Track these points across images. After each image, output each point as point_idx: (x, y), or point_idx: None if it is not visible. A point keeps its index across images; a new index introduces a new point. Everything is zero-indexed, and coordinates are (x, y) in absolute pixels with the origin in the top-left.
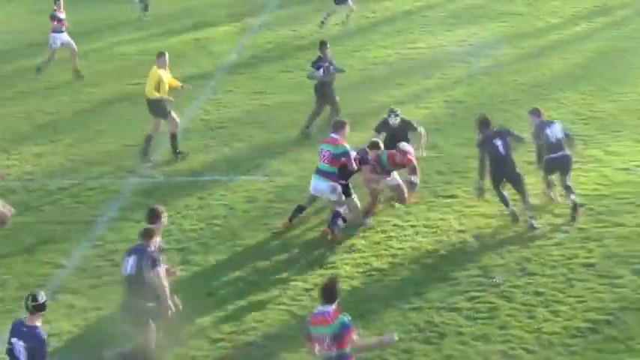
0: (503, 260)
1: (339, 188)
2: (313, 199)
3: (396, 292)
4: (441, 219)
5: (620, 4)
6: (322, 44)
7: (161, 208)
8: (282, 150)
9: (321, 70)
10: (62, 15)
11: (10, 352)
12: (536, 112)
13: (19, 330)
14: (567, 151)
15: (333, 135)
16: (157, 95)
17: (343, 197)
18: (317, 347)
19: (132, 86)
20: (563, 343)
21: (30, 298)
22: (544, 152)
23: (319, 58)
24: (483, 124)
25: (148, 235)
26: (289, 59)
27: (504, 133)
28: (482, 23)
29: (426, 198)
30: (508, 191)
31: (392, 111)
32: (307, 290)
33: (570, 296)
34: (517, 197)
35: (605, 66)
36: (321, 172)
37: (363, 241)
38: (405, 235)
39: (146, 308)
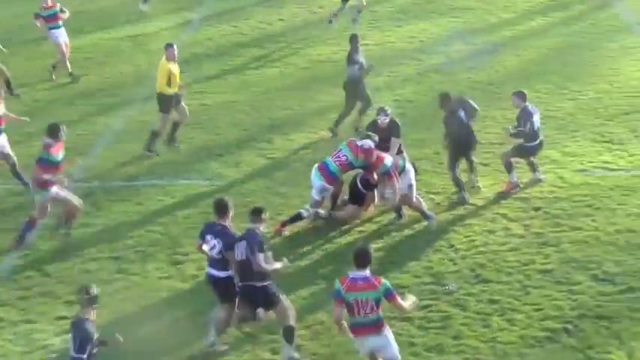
0: (456, 267)
1: (328, 193)
2: None
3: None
4: (390, 224)
5: None
6: (353, 38)
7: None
8: (224, 152)
9: (357, 67)
10: (53, 10)
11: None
12: (521, 95)
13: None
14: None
15: (358, 143)
16: (169, 91)
17: (320, 202)
18: (355, 312)
19: (65, 86)
20: (519, 353)
21: (84, 291)
22: (524, 139)
23: (352, 53)
24: (445, 99)
25: (257, 217)
26: (230, 57)
27: (465, 101)
28: (433, 19)
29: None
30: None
31: (381, 109)
32: None
33: (526, 304)
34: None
35: (561, 63)
36: (323, 168)
37: (310, 247)
38: (353, 241)
39: (268, 289)
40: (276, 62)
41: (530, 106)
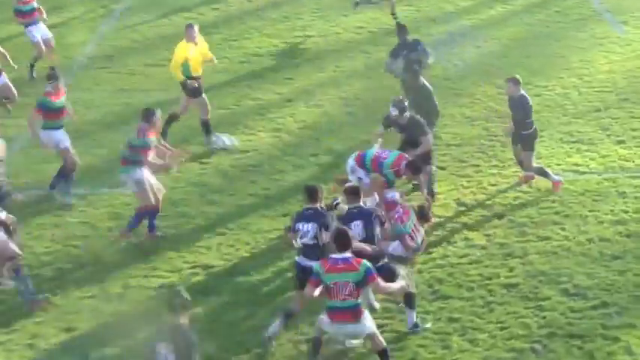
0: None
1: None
2: None
3: (290, 321)
4: None
5: None
6: (401, 28)
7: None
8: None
9: (399, 60)
10: (30, 5)
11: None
12: (516, 81)
13: (162, 331)
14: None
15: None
16: (181, 78)
17: None
18: (333, 295)
19: None
20: None
21: (175, 295)
22: (523, 128)
23: (398, 46)
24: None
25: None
26: (158, 50)
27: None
28: (384, 7)
29: None
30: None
31: (394, 101)
32: None
33: (490, 322)
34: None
35: (525, 55)
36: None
37: (253, 262)
38: None
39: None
40: None
41: (524, 93)
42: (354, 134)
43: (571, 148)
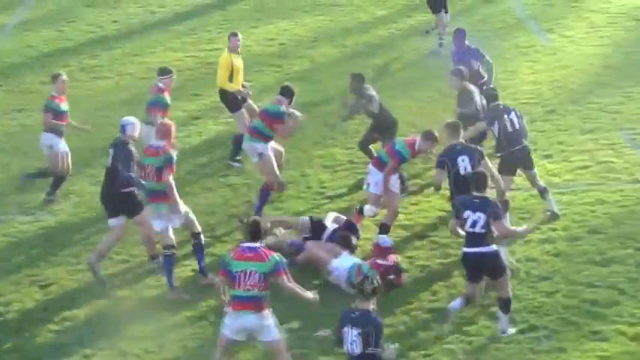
0: (331, 309)
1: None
2: None
3: (192, 352)
4: None
5: None
6: (459, 33)
7: None
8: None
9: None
10: None
11: (341, 342)
12: (460, 73)
13: (349, 317)
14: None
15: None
16: (232, 87)
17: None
18: (236, 284)
19: None
20: None
21: (367, 280)
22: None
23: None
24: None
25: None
26: (55, 67)
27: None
28: (296, 17)
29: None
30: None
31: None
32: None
33: (413, 349)
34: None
35: (445, 67)
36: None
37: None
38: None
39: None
40: (110, 72)
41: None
42: None
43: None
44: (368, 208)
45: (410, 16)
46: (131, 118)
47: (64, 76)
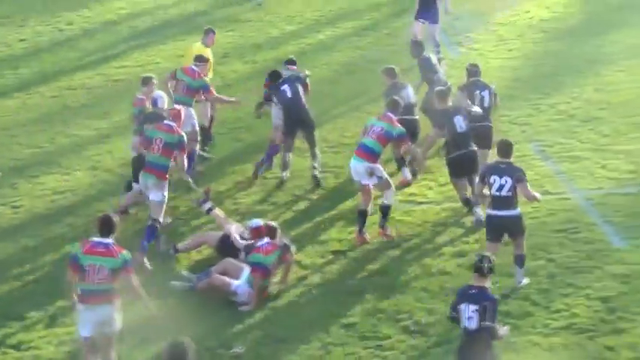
0: (242, 325)
1: (378, 172)
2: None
3: None
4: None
5: (368, 5)
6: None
7: None
8: None
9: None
10: None
11: (456, 319)
12: (390, 72)
13: (466, 294)
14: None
15: (389, 113)
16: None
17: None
18: (86, 278)
19: None
20: None
21: (483, 259)
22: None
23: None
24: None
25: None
26: None
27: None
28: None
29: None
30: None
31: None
32: None
33: None
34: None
35: (357, 81)
36: (360, 151)
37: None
38: None
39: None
40: (17, 92)
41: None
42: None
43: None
44: (388, 195)
45: (319, 32)
46: (161, 92)
47: None
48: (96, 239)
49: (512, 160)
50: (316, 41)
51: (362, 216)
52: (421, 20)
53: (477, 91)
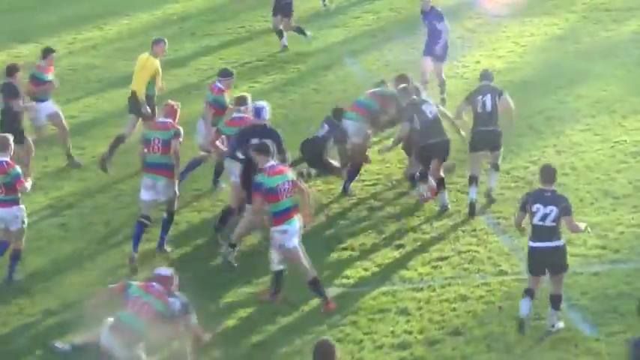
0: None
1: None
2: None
3: None
4: None
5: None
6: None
7: None
8: None
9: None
10: None
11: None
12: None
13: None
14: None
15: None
16: (143, 95)
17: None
18: None
19: None
20: None
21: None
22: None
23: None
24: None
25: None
26: None
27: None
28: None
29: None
30: None
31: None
32: None
33: None
34: None
35: None
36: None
37: None
38: None
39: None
40: None
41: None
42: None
43: (340, 256)
44: None
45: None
46: (263, 102)
47: None
48: None
49: (555, 187)
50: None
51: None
52: (430, 57)
53: (479, 97)
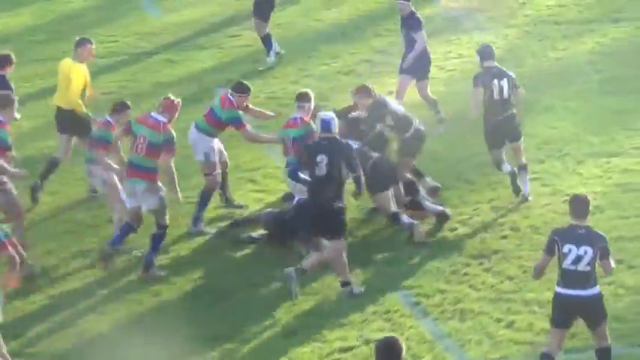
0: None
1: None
2: None
3: None
4: None
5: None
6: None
7: None
8: None
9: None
10: None
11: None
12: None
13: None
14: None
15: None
16: (82, 107)
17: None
18: None
19: None
20: None
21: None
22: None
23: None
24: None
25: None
26: None
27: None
28: None
29: None
30: None
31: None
32: None
33: None
34: None
35: None
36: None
37: None
38: None
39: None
40: None
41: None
42: None
43: None
44: None
45: None
46: (331, 113)
47: None
48: None
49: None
50: None
51: None
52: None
53: (495, 80)
